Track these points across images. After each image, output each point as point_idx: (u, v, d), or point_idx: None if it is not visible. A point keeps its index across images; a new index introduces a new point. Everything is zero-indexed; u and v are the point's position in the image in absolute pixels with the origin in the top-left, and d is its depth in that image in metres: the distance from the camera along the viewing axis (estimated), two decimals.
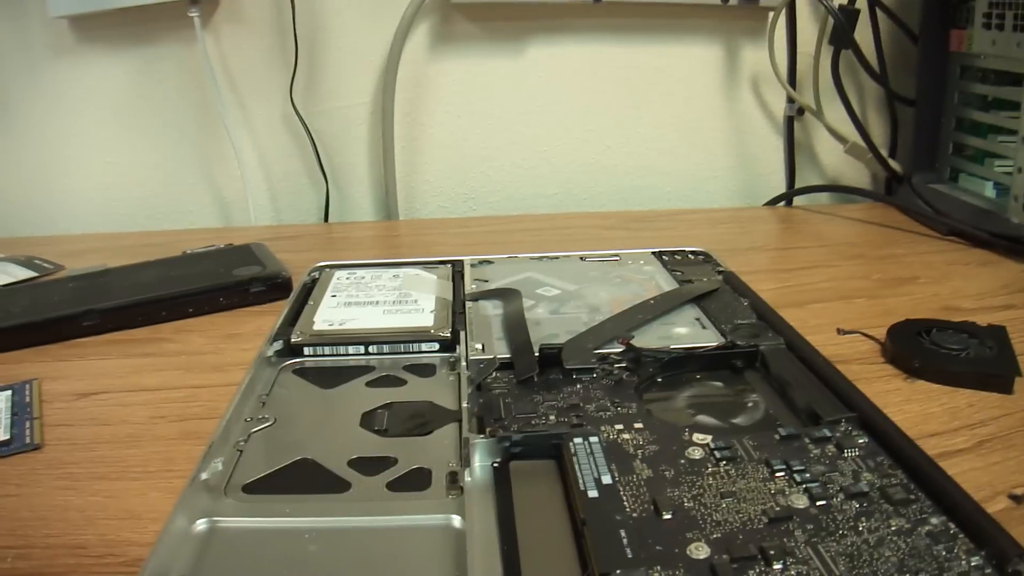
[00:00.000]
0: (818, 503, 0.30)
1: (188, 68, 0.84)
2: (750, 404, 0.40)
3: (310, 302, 0.52)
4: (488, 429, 0.36)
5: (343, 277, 0.57)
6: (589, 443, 0.34)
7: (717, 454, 0.34)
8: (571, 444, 0.34)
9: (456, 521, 0.31)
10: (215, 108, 0.83)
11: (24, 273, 0.67)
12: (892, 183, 0.90)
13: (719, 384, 0.43)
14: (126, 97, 0.85)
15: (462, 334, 0.47)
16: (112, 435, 0.41)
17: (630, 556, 0.27)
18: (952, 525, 0.29)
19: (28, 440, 0.40)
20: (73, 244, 0.78)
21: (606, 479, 0.32)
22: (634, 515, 0.30)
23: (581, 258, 0.61)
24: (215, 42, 0.83)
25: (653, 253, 0.62)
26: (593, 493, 0.31)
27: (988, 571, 0.26)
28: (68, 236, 0.85)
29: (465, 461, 0.34)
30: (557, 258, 0.62)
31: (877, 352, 0.48)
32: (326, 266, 0.60)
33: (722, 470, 0.33)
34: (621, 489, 0.32)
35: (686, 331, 0.47)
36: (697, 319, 0.49)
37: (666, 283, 0.55)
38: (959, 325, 0.49)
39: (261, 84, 0.85)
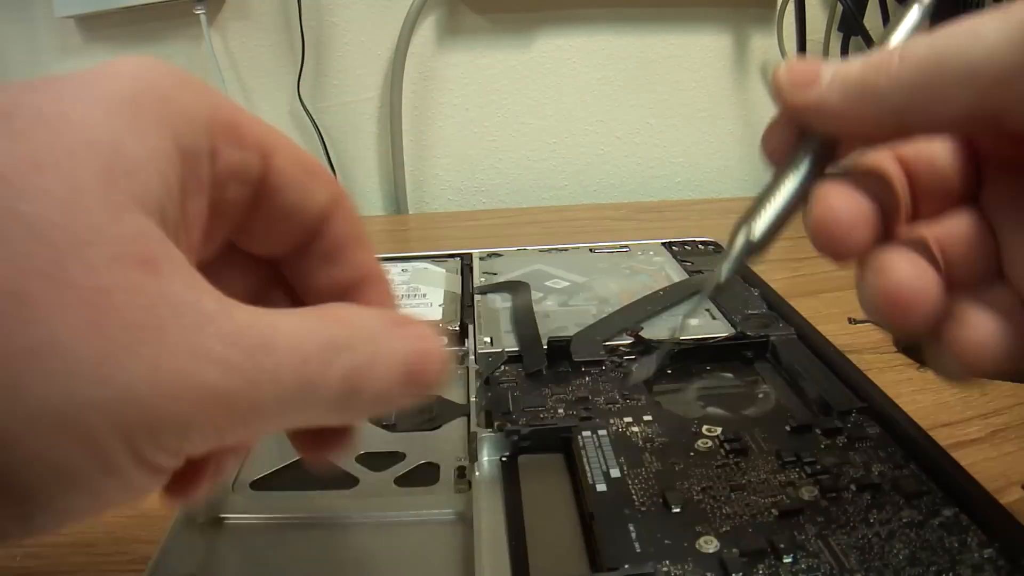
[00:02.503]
0: (829, 495, 0.30)
1: (195, 66, 0.84)
2: (760, 395, 0.40)
3: None
4: (496, 423, 0.36)
5: None
6: (598, 436, 0.34)
7: (727, 446, 0.34)
8: (579, 437, 0.34)
9: (464, 516, 0.31)
10: None
11: None
12: None
13: (729, 375, 0.42)
14: None
15: (471, 327, 0.47)
16: None
17: (639, 550, 0.27)
18: (965, 517, 0.29)
19: None
20: None
21: (615, 472, 0.31)
22: (643, 509, 0.30)
23: (590, 250, 0.61)
24: (222, 39, 0.83)
25: (663, 244, 0.61)
26: (601, 487, 0.31)
27: (1001, 563, 0.26)
28: None
29: (473, 455, 0.34)
30: (566, 250, 0.61)
31: (889, 342, 0.48)
32: None
33: (732, 462, 0.33)
34: (630, 482, 0.31)
35: (696, 322, 0.47)
36: (707, 309, 0.48)
37: (676, 274, 0.55)
38: None
39: (268, 81, 0.85)
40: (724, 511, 0.30)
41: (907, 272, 0.22)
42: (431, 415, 0.39)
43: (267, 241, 0.23)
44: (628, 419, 0.36)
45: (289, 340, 0.18)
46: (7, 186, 0.15)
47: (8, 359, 0.14)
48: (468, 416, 0.38)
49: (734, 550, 0.27)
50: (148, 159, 0.18)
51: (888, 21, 0.83)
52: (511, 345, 0.44)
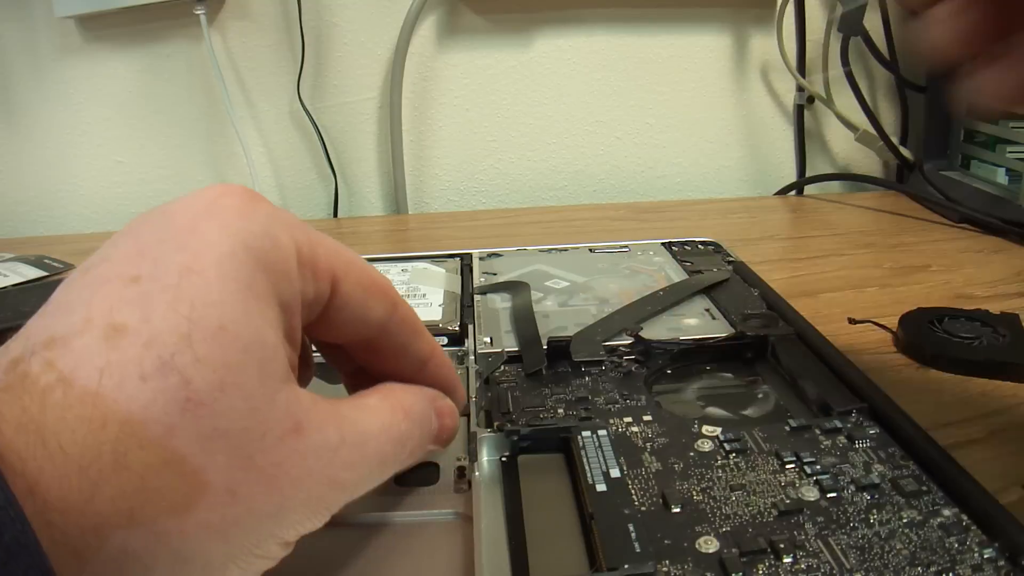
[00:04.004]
0: (829, 495, 0.30)
1: (195, 66, 0.84)
2: (760, 395, 0.40)
3: None
4: (496, 423, 0.36)
5: None
6: (597, 436, 0.34)
7: (727, 446, 0.34)
8: (579, 437, 0.34)
9: (464, 516, 0.31)
10: (223, 105, 0.83)
11: (34, 273, 0.67)
12: (903, 171, 0.89)
13: (729, 375, 0.42)
14: (134, 96, 0.85)
15: (470, 327, 0.47)
16: None
17: (638, 550, 0.27)
18: (965, 517, 0.29)
19: None
20: (82, 243, 0.79)
21: (615, 472, 0.31)
22: (643, 509, 0.30)
23: (590, 250, 0.61)
24: (222, 39, 0.83)
25: (662, 244, 0.61)
26: (601, 487, 0.31)
27: (1001, 563, 0.26)
28: (77, 235, 0.86)
29: (473, 455, 0.34)
30: (566, 250, 0.61)
31: (889, 341, 0.48)
32: None
33: (732, 462, 0.33)
34: (630, 482, 0.31)
35: (696, 322, 0.47)
36: (707, 310, 0.48)
37: (675, 274, 0.55)
38: (972, 313, 0.48)
39: (268, 81, 0.85)
40: (724, 511, 0.30)
41: None
42: None
43: (331, 338, 0.29)
44: (628, 419, 0.36)
45: (375, 445, 0.26)
46: (207, 410, 0.21)
47: (225, 527, 0.21)
48: (468, 416, 0.38)
49: (734, 550, 0.27)
50: (277, 339, 0.23)
51: (888, 20, 0.83)
52: (511, 345, 0.44)
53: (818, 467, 0.32)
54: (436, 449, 0.31)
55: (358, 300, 0.27)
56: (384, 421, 0.27)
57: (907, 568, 0.26)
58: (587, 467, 0.32)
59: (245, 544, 0.22)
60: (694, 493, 0.31)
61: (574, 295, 0.52)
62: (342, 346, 0.30)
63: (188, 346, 0.21)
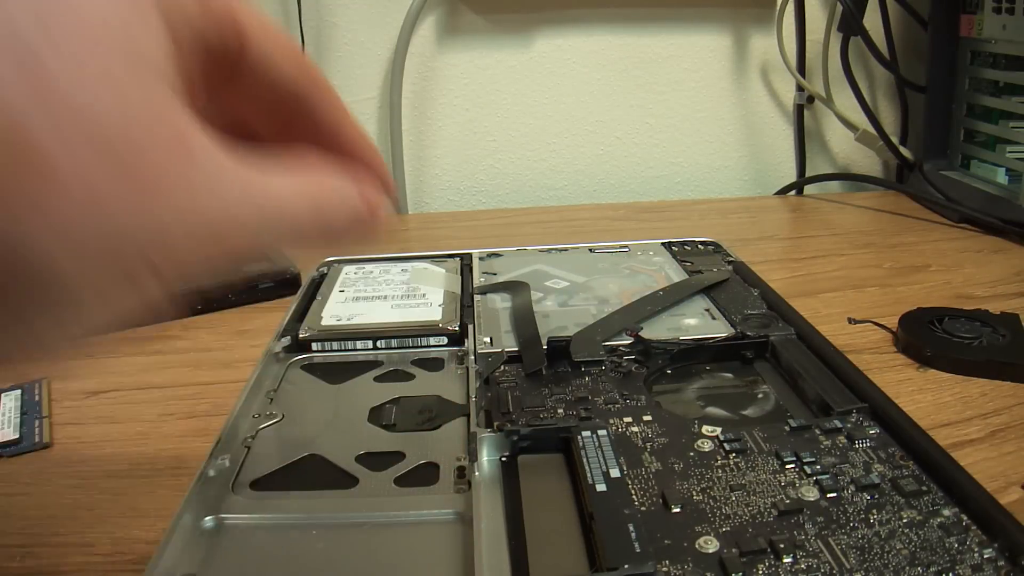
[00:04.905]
0: (829, 495, 0.30)
1: None
2: (760, 395, 0.40)
3: (318, 297, 0.52)
4: (496, 423, 0.36)
5: (352, 272, 0.57)
6: (597, 436, 0.34)
7: (727, 446, 0.34)
8: (579, 437, 0.34)
9: (464, 516, 0.31)
10: None
11: None
12: (903, 170, 0.89)
13: (729, 375, 0.42)
14: None
15: (470, 328, 0.47)
16: (121, 433, 0.41)
17: (638, 550, 0.27)
18: (964, 517, 0.29)
19: (37, 439, 0.41)
20: None
21: (614, 472, 0.31)
22: (643, 509, 0.30)
23: (590, 250, 0.61)
24: None
25: (662, 244, 0.61)
26: (601, 487, 0.31)
27: (1001, 563, 0.26)
28: None
29: (473, 455, 0.34)
30: (566, 250, 0.61)
31: (889, 341, 0.48)
32: (335, 261, 0.60)
33: (731, 462, 0.33)
34: (630, 482, 0.31)
35: (695, 322, 0.47)
36: (707, 310, 0.48)
37: (675, 274, 0.55)
38: (971, 313, 0.48)
39: None
40: (724, 511, 0.30)
41: None
42: (431, 415, 0.39)
43: (242, 103, 0.25)
44: (628, 419, 0.36)
45: (280, 203, 0.22)
46: (63, 95, 0.17)
47: (84, 236, 0.18)
48: (468, 416, 0.38)
49: (734, 550, 0.27)
50: (159, 47, 0.20)
51: (888, 20, 0.83)
52: (511, 345, 0.44)
53: (818, 467, 0.32)
54: (365, 228, 0.27)
55: (266, 53, 0.24)
56: (295, 180, 0.23)
57: (907, 568, 0.26)
58: (587, 467, 0.32)
59: (107, 261, 0.19)
60: (694, 493, 0.31)
61: (574, 295, 0.52)
62: (251, 125, 0.27)
63: (42, 30, 0.17)
